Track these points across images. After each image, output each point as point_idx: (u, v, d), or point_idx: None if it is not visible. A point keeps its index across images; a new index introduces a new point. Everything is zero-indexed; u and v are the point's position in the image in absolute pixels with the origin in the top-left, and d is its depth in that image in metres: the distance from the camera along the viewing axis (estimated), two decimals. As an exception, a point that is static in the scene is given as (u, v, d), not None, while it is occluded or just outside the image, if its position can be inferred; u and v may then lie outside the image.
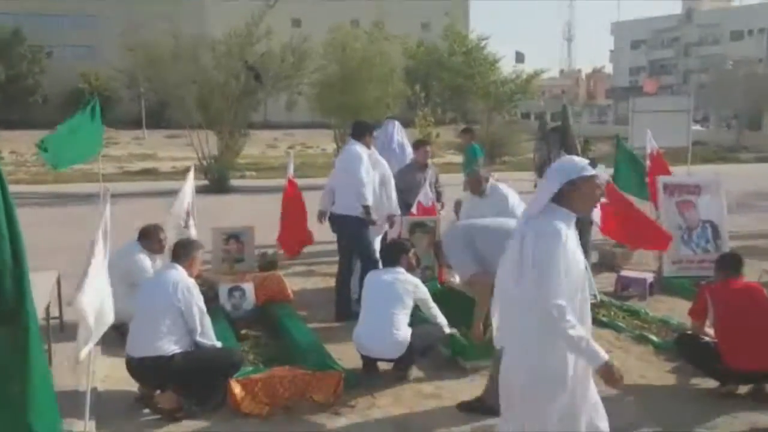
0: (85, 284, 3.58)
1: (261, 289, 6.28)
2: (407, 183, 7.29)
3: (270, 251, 7.17)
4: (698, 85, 48.99)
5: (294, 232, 6.66)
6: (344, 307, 6.26)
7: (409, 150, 7.98)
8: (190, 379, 4.26)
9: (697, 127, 30.82)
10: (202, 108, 17.72)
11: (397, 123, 8.06)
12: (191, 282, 4.37)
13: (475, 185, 6.19)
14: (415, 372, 5.02)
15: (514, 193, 6.18)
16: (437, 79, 28.29)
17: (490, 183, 6.17)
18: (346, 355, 5.24)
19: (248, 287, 6.16)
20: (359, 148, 6.29)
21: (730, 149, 26.35)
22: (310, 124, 31.73)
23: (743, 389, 4.64)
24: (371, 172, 6.31)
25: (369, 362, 4.97)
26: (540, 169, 8.42)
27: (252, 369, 4.62)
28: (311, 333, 5.53)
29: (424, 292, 5.11)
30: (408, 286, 5.00)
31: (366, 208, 6.15)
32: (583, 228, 7.65)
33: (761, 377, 4.57)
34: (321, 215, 6.67)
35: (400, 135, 7.94)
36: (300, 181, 8.05)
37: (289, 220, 6.53)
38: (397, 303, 4.90)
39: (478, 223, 4.82)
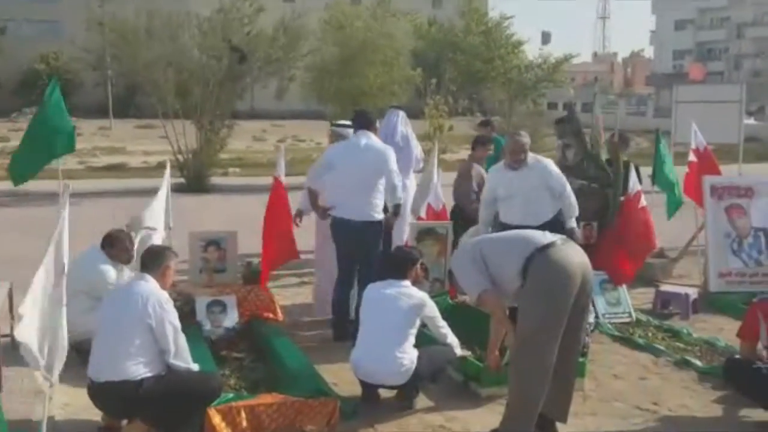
0: (25, 308, 3.58)
1: (245, 304, 6.28)
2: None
3: (255, 260, 7.18)
4: (752, 72, 48.94)
5: (277, 243, 6.63)
6: (342, 325, 6.28)
7: (415, 143, 8.00)
8: (161, 407, 4.25)
9: (751, 121, 30.80)
10: (179, 94, 17.75)
11: (401, 113, 8.10)
12: (164, 295, 4.39)
13: (515, 152, 6.10)
14: (422, 400, 5.03)
15: (558, 171, 6.23)
16: (451, 62, 28.27)
17: (531, 155, 6.16)
18: (342, 381, 5.26)
19: (230, 301, 6.17)
20: (376, 139, 6.44)
21: (788, 146, 26.29)
22: (303, 113, 31.83)
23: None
24: None
25: (369, 389, 4.98)
26: (572, 169, 8.42)
27: (233, 396, 4.63)
28: (302, 355, 5.54)
29: (432, 308, 5.12)
30: (414, 302, 5.01)
31: (398, 207, 6.39)
32: None
33: (821, 409, 4.57)
34: (299, 215, 6.74)
35: (404, 126, 7.97)
36: (290, 180, 8.06)
37: (272, 230, 6.50)
38: (402, 321, 4.92)
39: (486, 237, 4.85)
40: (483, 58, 26.65)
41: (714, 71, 63.13)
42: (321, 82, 19.72)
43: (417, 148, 8.12)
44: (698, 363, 5.75)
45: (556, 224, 6.00)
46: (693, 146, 8.23)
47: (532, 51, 39.27)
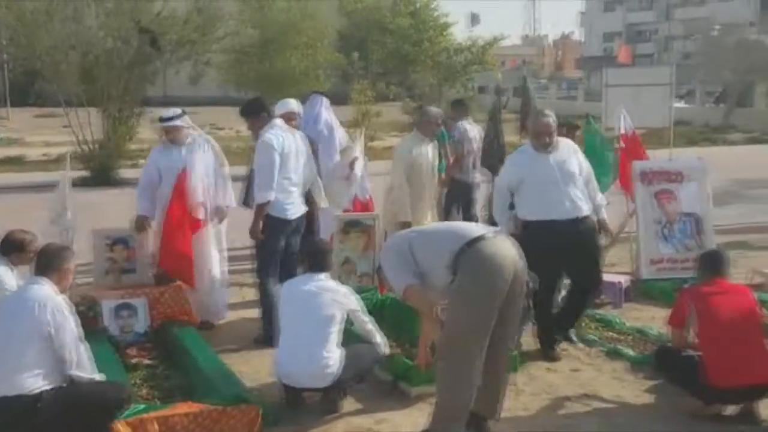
0: None
1: (157, 307, 6.17)
2: None
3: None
4: (682, 54, 50.59)
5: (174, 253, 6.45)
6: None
7: (339, 132, 7.96)
8: (63, 422, 4.11)
9: (681, 104, 31.81)
10: (84, 80, 17.24)
11: (325, 99, 8.04)
12: (62, 300, 4.24)
13: (540, 134, 5.80)
14: (349, 402, 5.01)
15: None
16: (378, 45, 28.31)
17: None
18: (265, 385, 5.21)
19: (140, 304, 6.04)
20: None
21: (717, 129, 27.31)
22: (221, 100, 31.22)
23: (731, 409, 4.79)
24: None
25: (293, 392, 4.93)
26: (483, 157, 8.57)
27: (144, 407, 4.51)
28: (220, 360, 5.45)
29: (356, 303, 5.10)
30: (337, 297, 4.98)
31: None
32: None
33: (750, 395, 4.74)
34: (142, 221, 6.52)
35: (328, 113, 7.92)
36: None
37: (170, 230, 6.34)
38: (325, 318, 4.88)
39: (416, 230, 4.85)
40: (411, 40, 26.83)
41: (644, 53, 64.90)
42: (239, 66, 19.47)
43: (341, 136, 8.08)
44: (630, 352, 5.90)
45: (590, 222, 5.94)
46: (621, 131, 8.41)
47: (460, 33, 39.62)
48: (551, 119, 5.80)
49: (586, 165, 6.02)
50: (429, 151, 7.34)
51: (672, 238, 7.88)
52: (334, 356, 4.82)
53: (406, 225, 6.99)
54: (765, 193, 13.38)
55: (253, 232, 6.11)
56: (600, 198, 6.13)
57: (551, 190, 5.75)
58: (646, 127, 11.72)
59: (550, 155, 5.80)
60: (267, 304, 6.10)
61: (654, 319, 6.69)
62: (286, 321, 4.97)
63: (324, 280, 5.05)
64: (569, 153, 5.92)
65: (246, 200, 6.96)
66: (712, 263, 5.12)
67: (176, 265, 6.46)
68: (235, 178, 7.04)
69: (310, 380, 4.84)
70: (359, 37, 29.12)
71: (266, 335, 6.10)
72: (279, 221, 6.15)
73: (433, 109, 7.67)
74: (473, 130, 8.71)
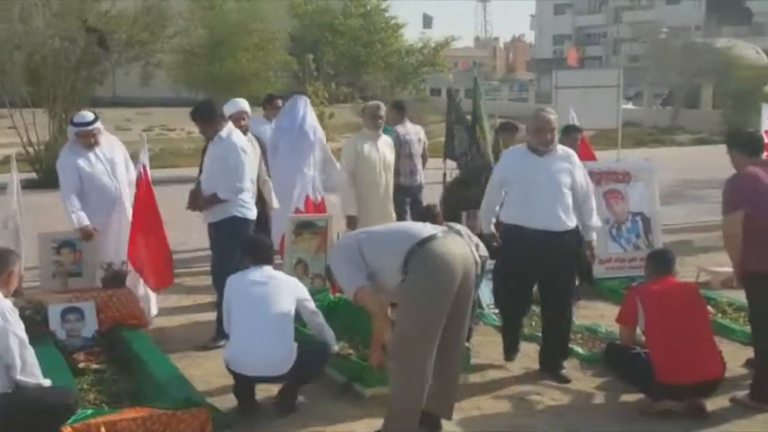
0: None
1: (106, 310, 6.05)
2: None
3: (116, 262, 6.90)
4: (630, 56, 51.48)
5: (153, 252, 6.36)
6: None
7: (321, 133, 7.97)
8: (9, 429, 4.02)
9: (629, 106, 32.38)
10: (30, 81, 16.88)
11: (308, 100, 8.05)
12: (7, 304, 4.13)
13: (542, 130, 5.40)
14: (302, 404, 4.99)
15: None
16: (330, 46, 28.29)
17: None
18: (216, 389, 5.16)
19: (88, 308, 5.92)
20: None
21: (665, 130, 27.85)
22: (173, 101, 30.88)
23: (680, 406, 4.87)
24: None
25: (246, 384, 4.88)
26: (458, 159, 8.60)
27: (92, 411, 4.43)
28: (170, 363, 5.38)
29: (305, 292, 5.11)
30: (287, 285, 5.01)
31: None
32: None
33: (698, 391, 4.83)
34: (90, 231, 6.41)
35: (311, 115, 7.90)
36: (160, 173, 7.83)
37: (141, 228, 6.24)
38: (276, 306, 4.87)
39: (366, 230, 4.84)
40: (362, 41, 26.86)
41: (593, 56, 65.99)
42: (189, 66, 19.25)
43: (323, 138, 8.11)
44: (580, 350, 5.97)
45: (575, 236, 5.56)
46: (570, 133, 8.51)
47: (413, 35, 39.76)
48: (552, 116, 5.45)
49: (583, 180, 5.55)
50: (378, 147, 7.31)
51: (620, 237, 8.01)
52: (287, 344, 4.80)
53: (352, 219, 7.05)
54: (711, 193, 13.62)
55: (199, 206, 6.19)
56: (594, 220, 5.68)
57: (532, 195, 5.38)
58: (595, 128, 11.92)
59: (541, 159, 5.41)
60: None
61: (603, 317, 6.79)
62: (237, 312, 4.93)
63: (270, 271, 5.06)
64: (564, 162, 5.48)
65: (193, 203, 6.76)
66: (660, 262, 5.22)
67: (154, 265, 6.43)
68: (186, 179, 6.98)
69: (265, 368, 4.78)
70: (311, 38, 29.08)
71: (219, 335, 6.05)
72: (243, 221, 6.17)
73: (371, 102, 7.72)
74: (412, 133, 8.59)
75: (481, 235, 5.40)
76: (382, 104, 7.59)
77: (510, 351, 5.80)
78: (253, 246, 5.27)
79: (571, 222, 5.45)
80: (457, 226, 4.92)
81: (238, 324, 4.91)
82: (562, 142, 7.97)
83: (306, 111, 7.73)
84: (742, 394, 5.06)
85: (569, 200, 5.44)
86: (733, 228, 4.92)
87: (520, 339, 5.90)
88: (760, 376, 5.03)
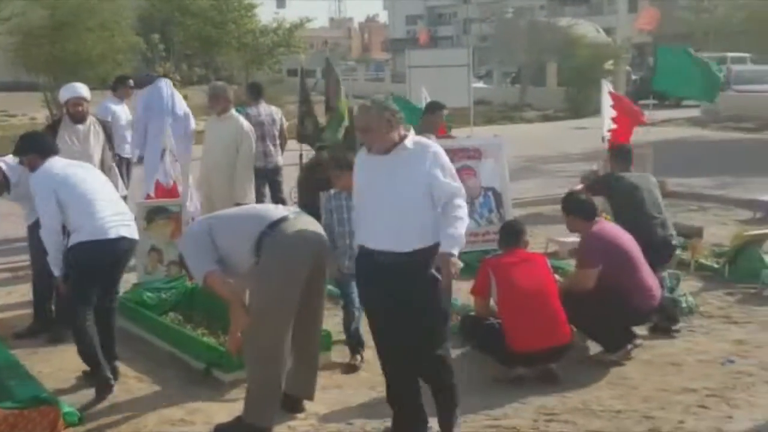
0: None
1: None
2: None
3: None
4: (480, 36, 52.99)
5: None
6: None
7: (192, 118, 7.71)
8: None
9: (480, 84, 33.35)
10: None
11: (169, 82, 7.73)
12: None
13: (360, 132, 4.17)
14: (159, 394, 4.89)
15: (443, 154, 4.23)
16: (181, 27, 27.46)
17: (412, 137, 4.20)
18: (68, 385, 4.98)
19: None
20: None
21: (514, 108, 28.84)
22: (13, 85, 29.06)
23: (532, 371, 5.09)
24: None
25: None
26: (309, 138, 8.57)
27: (-76, 417, 4.14)
28: (15, 360, 5.12)
29: None
30: None
31: None
32: None
33: (548, 357, 5.07)
34: None
35: (179, 98, 7.60)
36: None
37: None
38: None
39: (216, 215, 4.74)
40: (214, 21, 26.20)
41: (445, 36, 67.48)
42: (27, 49, 18.18)
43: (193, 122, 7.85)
44: (438, 324, 6.10)
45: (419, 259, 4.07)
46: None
47: (267, 15, 39.18)
48: (372, 111, 4.10)
49: (443, 179, 4.09)
50: (219, 128, 7.14)
51: (474, 212, 8.20)
52: None
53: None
54: (559, 167, 14.31)
55: None
56: (454, 229, 4.05)
57: (373, 207, 4.16)
58: (448, 107, 12.16)
59: (383, 161, 4.13)
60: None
61: (459, 291, 6.89)
62: None
63: None
64: (413, 162, 4.10)
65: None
66: (510, 234, 5.41)
67: None
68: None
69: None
70: (161, 18, 28.11)
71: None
72: None
73: (216, 84, 7.56)
74: (265, 114, 8.49)
75: None
76: (221, 84, 7.44)
77: None
78: None
79: (426, 239, 4.08)
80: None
81: None
82: (426, 120, 8.20)
83: (172, 93, 7.51)
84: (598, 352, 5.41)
85: (422, 210, 4.08)
86: (588, 283, 5.36)
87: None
88: (600, 333, 5.40)
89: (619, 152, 6.63)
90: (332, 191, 5.45)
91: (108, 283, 5.09)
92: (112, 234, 4.91)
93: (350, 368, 5.33)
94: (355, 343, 5.39)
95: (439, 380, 4.26)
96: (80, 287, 4.88)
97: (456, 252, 3.98)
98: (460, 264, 4.04)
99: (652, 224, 6.15)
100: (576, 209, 5.65)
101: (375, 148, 4.13)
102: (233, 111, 7.20)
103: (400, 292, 4.06)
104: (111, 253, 4.95)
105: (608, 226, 5.70)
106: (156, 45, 20.80)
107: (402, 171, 4.07)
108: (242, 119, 7.27)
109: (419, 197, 4.06)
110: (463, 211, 4.10)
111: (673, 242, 6.36)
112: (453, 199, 4.07)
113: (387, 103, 4.16)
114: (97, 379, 4.88)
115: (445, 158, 4.17)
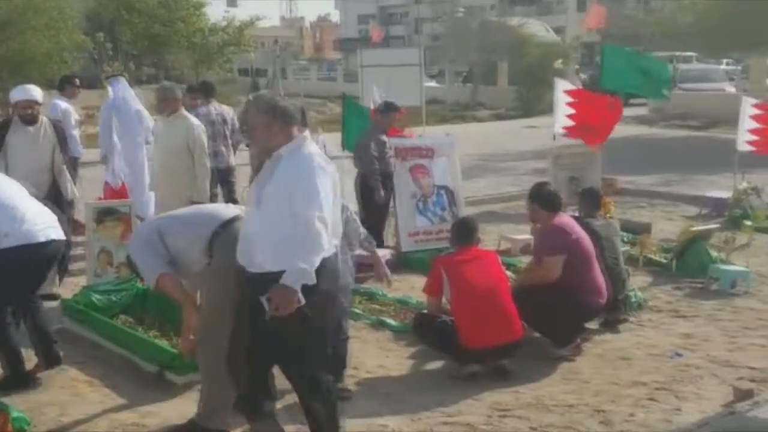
0: None
1: None
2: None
3: None
4: (432, 36, 53.23)
5: None
6: None
7: (147, 115, 7.64)
8: None
9: (433, 84, 33.51)
10: None
11: (124, 80, 7.66)
12: None
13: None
14: (111, 397, 4.82)
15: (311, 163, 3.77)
16: (128, 25, 27.07)
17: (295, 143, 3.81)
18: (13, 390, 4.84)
19: None
20: None
21: (467, 107, 29.05)
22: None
23: (485, 368, 5.12)
24: None
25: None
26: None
27: None
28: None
29: None
30: None
31: None
32: None
33: (500, 353, 5.12)
34: None
35: (133, 96, 7.53)
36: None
37: None
38: None
39: (166, 215, 4.68)
40: (162, 19, 25.88)
41: (397, 35, 67.60)
42: (-32, 48, 17.80)
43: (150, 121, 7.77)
44: (392, 323, 6.14)
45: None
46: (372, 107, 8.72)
47: (217, 14, 38.80)
48: (252, 109, 3.83)
49: (301, 201, 3.63)
50: (174, 129, 7.06)
51: (427, 211, 8.28)
52: None
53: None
54: (510, 165, 14.47)
55: None
56: (299, 264, 3.55)
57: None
58: (401, 106, 12.19)
59: (264, 168, 3.84)
60: None
61: (413, 289, 7.01)
62: None
63: None
64: (283, 173, 3.71)
65: None
66: (462, 232, 5.45)
67: None
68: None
69: None
70: (108, 17, 27.65)
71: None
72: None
73: (165, 85, 7.49)
74: (215, 114, 8.42)
75: None
76: (170, 85, 7.36)
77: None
78: None
79: (277, 262, 3.64)
80: None
81: None
82: (378, 121, 8.24)
83: (127, 92, 7.43)
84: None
85: (278, 228, 3.66)
86: (555, 271, 5.40)
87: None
88: (551, 329, 5.48)
89: (589, 195, 6.67)
90: None
91: (34, 285, 5.04)
92: (42, 237, 4.83)
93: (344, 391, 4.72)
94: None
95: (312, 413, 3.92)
96: (7, 291, 4.81)
97: (295, 286, 3.52)
98: (297, 302, 3.55)
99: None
100: (542, 199, 5.69)
101: (257, 150, 3.73)
102: (183, 111, 7.12)
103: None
104: (43, 257, 4.88)
105: (570, 221, 5.74)
106: (103, 44, 20.42)
107: (269, 181, 3.73)
108: (193, 118, 7.18)
109: (276, 213, 3.67)
110: (314, 242, 3.57)
111: (619, 297, 6.04)
112: (307, 226, 3.57)
113: (273, 101, 3.82)
114: (17, 377, 4.89)
115: (319, 176, 3.66)
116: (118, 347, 5.55)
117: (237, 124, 8.79)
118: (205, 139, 7.13)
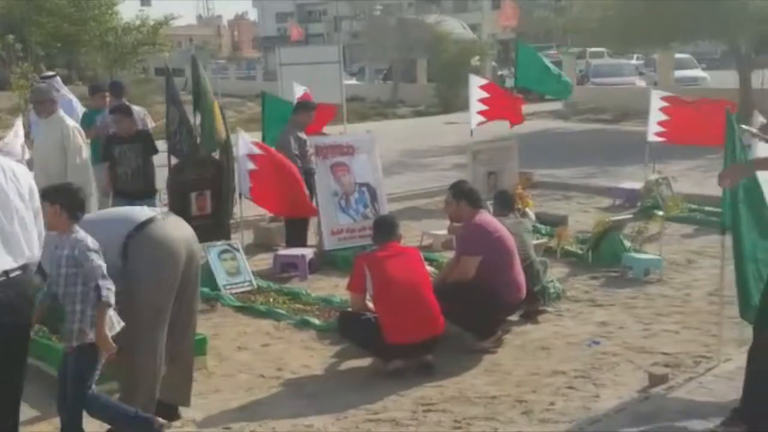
0: None
1: None
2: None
3: None
4: (351, 33, 53.13)
5: None
6: None
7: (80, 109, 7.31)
8: None
9: (353, 81, 33.48)
10: None
11: (59, 79, 7.39)
12: None
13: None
14: (28, 409, 4.56)
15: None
16: (37, 25, 26.18)
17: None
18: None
19: None
20: None
21: (388, 104, 29.13)
22: None
23: (408, 363, 5.14)
24: None
25: None
26: (170, 137, 8.31)
27: None
28: None
29: None
30: None
31: None
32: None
33: (423, 348, 5.14)
34: None
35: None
36: None
37: None
38: None
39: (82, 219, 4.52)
40: (72, 19, 25.09)
41: (316, 33, 67.29)
42: None
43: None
44: (316, 322, 6.10)
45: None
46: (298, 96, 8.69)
47: (131, 13, 37.82)
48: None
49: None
50: (50, 131, 6.79)
51: (349, 208, 8.25)
52: None
53: None
54: (431, 161, 14.57)
55: None
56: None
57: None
58: (320, 104, 12.13)
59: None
60: None
61: (337, 288, 6.99)
62: None
63: None
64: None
65: None
66: (383, 229, 5.46)
67: None
68: None
69: None
70: (16, 17, 26.70)
71: None
72: None
73: (40, 87, 7.33)
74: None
75: None
76: (45, 87, 7.23)
77: None
78: None
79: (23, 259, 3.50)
80: None
81: None
82: (293, 120, 8.22)
83: (61, 88, 7.20)
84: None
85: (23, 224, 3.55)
86: (470, 270, 5.48)
87: None
88: (472, 324, 5.52)
89: (502, 197, 6.80)
90: None
91: None
92: None
93: None
94: None
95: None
96: None
97: None
98: None
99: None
100: (469, 197, 5.77)
101: None
102: (60, 112, 6.92)
103: None
104: None
105: (490, 219, 5.82)
106: (12, 45, 19.63)
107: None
108: (68, 119, 6.97)
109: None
110: None
111: (536, 288, 6.11)
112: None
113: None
114: None
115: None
116: (31, 357, 5.31)
117: (152, 125, 8.63)
118: (81, 138, 6.94)
